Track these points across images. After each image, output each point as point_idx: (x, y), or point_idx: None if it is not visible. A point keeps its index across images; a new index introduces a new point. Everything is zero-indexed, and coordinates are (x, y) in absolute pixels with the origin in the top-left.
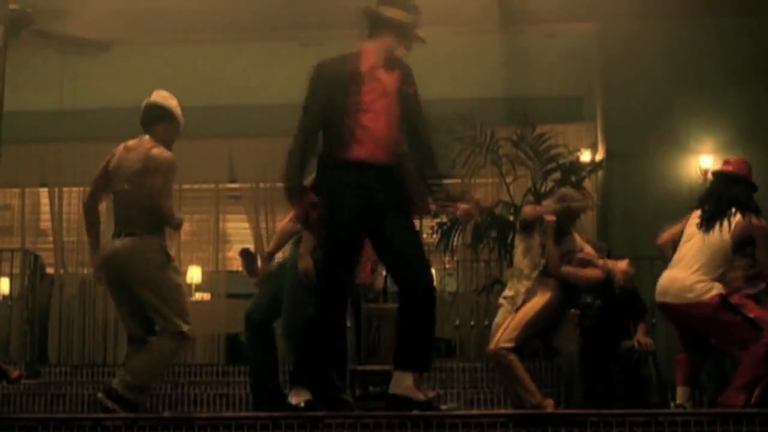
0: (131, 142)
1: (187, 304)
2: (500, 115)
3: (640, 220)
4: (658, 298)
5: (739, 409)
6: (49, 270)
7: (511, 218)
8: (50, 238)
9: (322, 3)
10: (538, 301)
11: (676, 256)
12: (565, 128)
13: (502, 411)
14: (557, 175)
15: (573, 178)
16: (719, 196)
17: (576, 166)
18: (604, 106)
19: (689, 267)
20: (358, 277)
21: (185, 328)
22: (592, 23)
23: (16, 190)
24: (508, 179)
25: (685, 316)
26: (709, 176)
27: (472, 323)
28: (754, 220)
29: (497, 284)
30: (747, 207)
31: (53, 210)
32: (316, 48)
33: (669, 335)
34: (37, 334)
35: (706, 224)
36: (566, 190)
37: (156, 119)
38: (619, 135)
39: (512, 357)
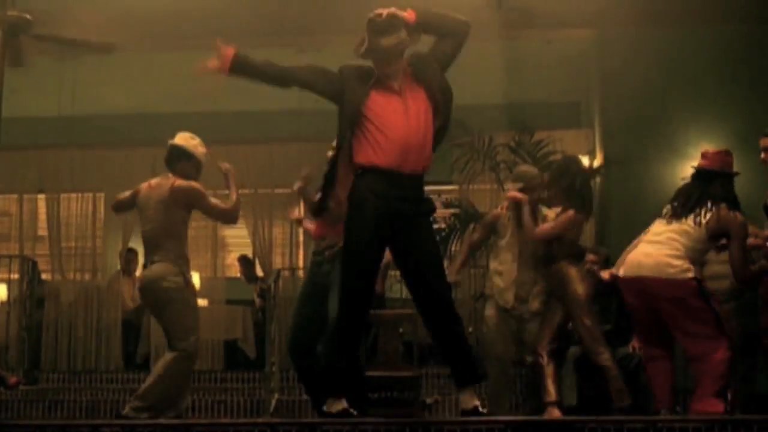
0: (154, 181)
1: (196, 321)
2: (498, 121)
3: (638, 226)
4: (629, 272)
5: (725, 416)
6: (46, 276)
7: None
8: (48, 245)
9: (320, 9)
10: (576, 289)
11: (645, 237)
12: (563, 134)
13: (501, 417)
14: None
15: None
16: (694, 193)
17: None
18: (602, 112)
19: (664, 245)
20: None
21: (186, 345)
22: (590, 29)
23: (14, 196)
24: (506, 185)
25: (655, 294)
26: (690, 169)
27: (470, 329)
28: (731, 213)
29: None
30: (723, 200)
31: (51, 216)
32: (314, 54)
33: None
34: (34, 340)
35: (679, 214)
36: (523, 169)
37: (176, 159)
38: (616, 141)
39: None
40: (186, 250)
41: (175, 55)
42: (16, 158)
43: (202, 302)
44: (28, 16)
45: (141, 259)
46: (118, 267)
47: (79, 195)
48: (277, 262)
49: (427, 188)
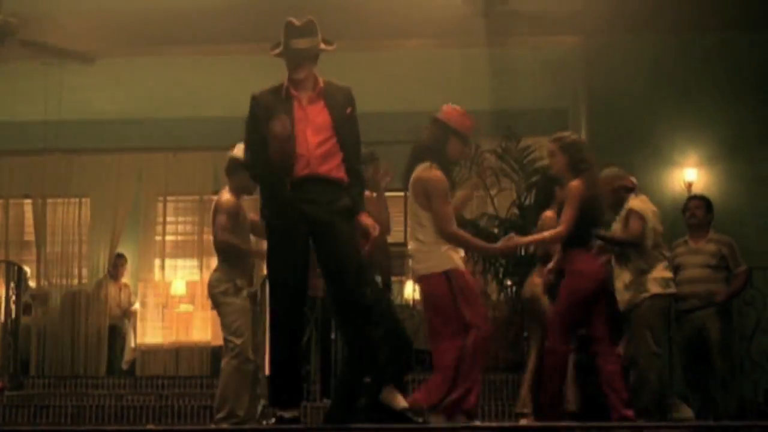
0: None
1: (244, 324)
2: (484, 128)
3: None
4: None
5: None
6: (32, 281)
7: (496, 230)
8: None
9: (305, 15)
10: None
11: None
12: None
13: (492, 424)
14: None
15: None
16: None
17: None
18: (588, 118)
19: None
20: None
21: (233, 346)
22: (577, 36)
23: (0, 202)
24: (493, 192)
25: None
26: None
27: None
28: (428, 170)
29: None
30: (427, 155)
31: (37, 222)
32: None
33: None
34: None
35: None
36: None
37: (233, 170)
38: (603, 148)
39: None
40: (242, 258)
41: (161, 60)
42: (2, 163)
43: (187, 308)
44: (12, 20)
45: (129, 265)
46: (105, 272)
47: (65, 200)
48: (264, 268)
49: None
